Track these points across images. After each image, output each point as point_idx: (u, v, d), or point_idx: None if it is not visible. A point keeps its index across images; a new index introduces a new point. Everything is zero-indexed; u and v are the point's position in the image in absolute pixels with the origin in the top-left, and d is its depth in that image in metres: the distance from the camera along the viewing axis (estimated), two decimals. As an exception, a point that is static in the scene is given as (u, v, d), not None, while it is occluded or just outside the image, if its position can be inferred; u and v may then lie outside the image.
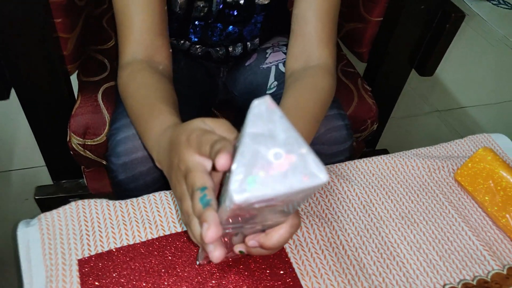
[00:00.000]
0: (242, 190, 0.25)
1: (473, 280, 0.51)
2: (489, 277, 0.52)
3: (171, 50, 0.61)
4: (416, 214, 0.58)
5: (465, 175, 0.61)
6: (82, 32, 0.77)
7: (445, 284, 0.51)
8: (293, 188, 0.25)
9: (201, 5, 0.66)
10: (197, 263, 0.48)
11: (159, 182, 0.62)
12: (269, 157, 0.25)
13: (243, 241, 0.40)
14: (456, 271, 0.52)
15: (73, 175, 0.88)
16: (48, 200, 0.90)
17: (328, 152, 0.65)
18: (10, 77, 0.69)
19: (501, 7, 2.39)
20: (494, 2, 2.41)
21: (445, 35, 0.81)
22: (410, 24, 0.82)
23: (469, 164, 0.60)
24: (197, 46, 0.74)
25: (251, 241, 0.38)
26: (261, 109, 0.26)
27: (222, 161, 0.28)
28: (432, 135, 1.55)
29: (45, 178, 1.08)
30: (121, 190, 0.62)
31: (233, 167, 0.25)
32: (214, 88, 0.82)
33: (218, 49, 0.75)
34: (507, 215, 0.56)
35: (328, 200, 0.58)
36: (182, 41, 0.74)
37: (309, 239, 0.53)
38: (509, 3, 2.40)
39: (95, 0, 0.95)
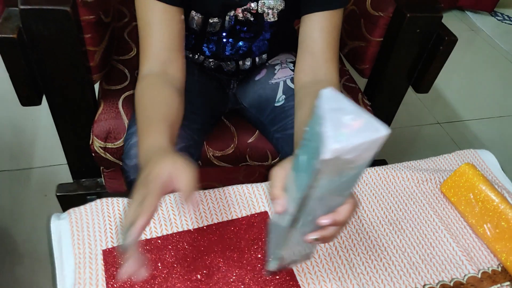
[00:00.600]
0: (336, 142, 0.33)
1: (450, 282, 0.58)
2: (465, 279, 0.58)
3: (185, 63, 0.68)
4: (403, 221, 0.65)
5: (449, 188, 0.67)
6: (107, 45, 0.85)
7: (425, 284, 0.57)
8: (369, 138, 0.34)
9: (215, 21, 0.73)
10: (268, 270, 0.53)
11: None
12: (347, 121, 0.34)
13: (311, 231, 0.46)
14: (436, 273, 0.59)
15: (92, 174, 0.96)
16: (68, 197, 0.98)
17: None
18: (42, 86, 0.77)
19: (505, 22, 2.44)
20: (499, 18, 2.46)
21: (439, 56, 0.88)
22: (407, 45, 0.89)
23: (453, 178, 0.66)
24: (210, 60, 0.81)
25: (325, 219, 0.44)
26: (328, 94, 0.36)
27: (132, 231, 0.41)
28: (432, 146, 1.60)
29: (63, 176, 1.16)
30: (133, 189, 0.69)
31: (323, 129, 0.34)
32: (224, 99, 0.89)
33: (229, 63, 0.82)
34: (484, 225, 0.62)
35: (324, 206, 0.65)
36: (197, 55, 0.81)
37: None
38: (513, 19, 2.45)
39: (118, 15, 1.03)
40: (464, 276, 0.58)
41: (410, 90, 1.01)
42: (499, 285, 0.58)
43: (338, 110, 0.35)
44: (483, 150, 0.80)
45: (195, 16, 0.71)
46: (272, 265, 0.51)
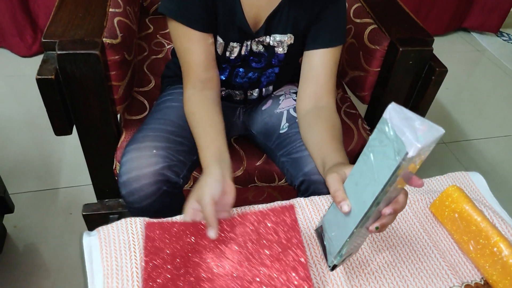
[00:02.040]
0: (417, 142, 0.44)
1: (436, 293, 0.64)
2: (449, 291, 0.64)
3: (219, 78, 0.81)
4: (394, 238, 0.71)
5: (437, 207, 0.73)
6: (130, 79, 0.95)
7: (412, 295, 0.63)
8: (435, 136, 0.44)
9: (234, 46, 0.82)
10: (331, 266, 0.60)
11: (150, 198, 0.75)
12: (418, 125, 0.45)
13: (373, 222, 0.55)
14: (423, 286, 0.65)
15: (115, 195, 1.05)
16: (92, 216, 1.07)
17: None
18: (73, 117, 0.87)
19: (511, 43, 2.49)
20: (504, 38, 2.52)
21: (432, 85, 0.95)
22: (402, 75, 0.96)
23: (441, 199, 0.73)
24: (222, 89, 0.91)
25: (388, 210, 0.53)
26: (395, 107, 0.46)
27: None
28: (437, 165, 1.65)
29: (87, 196, 1.25)
30: (127, 203, 0.78)
31: (401, 133, 0.44)
32: (231, 125, 0.97)
33: (237, 92, 0.91)
34: (469, 243, 0.68)
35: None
36: None
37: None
38: (519, 39, 2.50)
39: (138, 49, 1.14)
40: (449, 288, 0.65)
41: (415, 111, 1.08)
42: (480, 297, 0.64)
43: (407, 118, 0.45)
44: (474, 172, 0.86)
45: (219, 40, 0.81)
46: (338, 261, 0.59)
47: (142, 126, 0.82)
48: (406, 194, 0.55)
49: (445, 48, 2.36)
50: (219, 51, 0.82)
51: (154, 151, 0.74)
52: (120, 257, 0.63)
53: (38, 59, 0.78)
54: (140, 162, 0.73)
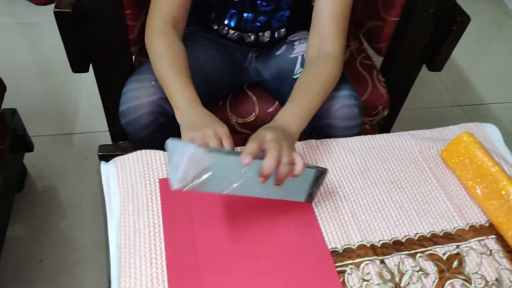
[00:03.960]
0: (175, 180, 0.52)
1: (440, 232, 0.65)
2: (453, 231, 0.66)
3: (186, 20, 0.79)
4: (403, 180, 0.72)
5: (449, 153, 0.74)
6: (144, 20, 0.94)
7: (417, 233, 0.65)
8: (186, 160, 0.51)
9: None
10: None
11: (148, 128, 0.76)
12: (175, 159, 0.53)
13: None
14: (428, 225, 0.66)
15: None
16: (107, 156, 1.10)
17: (341, 125, 0.79)
18: (90, 56, 0.88)
19: (539, 7, 2.38)
20: (532, 2, 2.41)
21: (452, 35, 0.93)
22: (422, 25, 0.94)
23: (452, 145, 0.73)
24: (233, 32, 0.90)
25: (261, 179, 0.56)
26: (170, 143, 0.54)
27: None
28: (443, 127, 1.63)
29: (102, 142, 1.28)
30: (127, 134, 0.79)
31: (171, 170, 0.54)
32: (242, 70, 0.97)
33: (250, 34, 0.90)
34: (477, 187, 0.69)
35: (334, 165, 0.73)
36: (221, 27, 0.90)
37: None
38: (547, 3, 2.39)
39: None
40: (454, 228, 0.66)
41: (433, 72, 1.05)
42: (484, 237, 0.65)
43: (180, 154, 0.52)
44: (489, 124, 0.85)
45: None
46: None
47: (147, 60, 0.82)
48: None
49: (469, 8, 2.26)
50: None
51: (153, 82, 0.75)
52: (136, 184, 0.66)
53: (53, 7, 0.77)
54: (139, 92, 0.74)
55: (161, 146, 0.72)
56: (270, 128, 0.61)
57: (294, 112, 0.68)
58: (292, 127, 0.65)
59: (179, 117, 0.67)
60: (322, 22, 0.77)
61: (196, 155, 0.51)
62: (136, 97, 0.75)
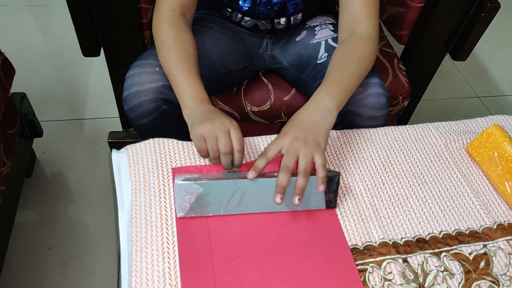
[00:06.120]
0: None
1: (466, 231, 0.62)
2: (480, 230, 0.62)
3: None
4: (427, 175, 0.69)
5: (475, 148, 0.70)
6: (157, 3, 0.91)
7: (441, 231, 0.62)
8: (179, 193, 0.59)
9: None
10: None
11: (150, 116, 0.74)
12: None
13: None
14: (453, 222, 0.63)
15: (140, 125, 1.05)
16: (118, 143, 1.08)
17: (366, 114, 0.74)
18: (102, 39, 0.85)
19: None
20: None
21: (480, 23, 0.88)
22: (448, 11, 0.89)
23: (480, 139, 0.70)
24: (247, 19, 0.86)
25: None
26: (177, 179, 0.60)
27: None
28: (468, 117, 1.59)
29: (111, 128, 1.26)
30: (130, 120, 0.76)
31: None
32: (257, 57, 0.93)
33: (264, 21, 0.86)
34: (506, 183, 0.65)
35: (354, 157, 0.70)
36: (235, 13, 0.86)
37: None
38: None
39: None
40: (480, 226, 0.63)
41: (451, 63, 1.00)
42: (513, 236, 0.62)
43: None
44: (517, 116, 0.81)
45: None
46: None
47: (153, 45, 0.79)
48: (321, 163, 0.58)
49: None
50: None
51: (157, 68, 0.72)
52: (148, 174, 0.63)
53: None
54: (142, 78, 0.72)
55: (165, 134, 0.70)
56: (292, 131, 0.60)
57: (333, 89, 0.65)
58: (330, 103, 0.63)
59: (187, 116, 0.65)
60: (352, 2, 0.73)
61: (184, 186, 0.57)
62: (138, 83, 0.72)
